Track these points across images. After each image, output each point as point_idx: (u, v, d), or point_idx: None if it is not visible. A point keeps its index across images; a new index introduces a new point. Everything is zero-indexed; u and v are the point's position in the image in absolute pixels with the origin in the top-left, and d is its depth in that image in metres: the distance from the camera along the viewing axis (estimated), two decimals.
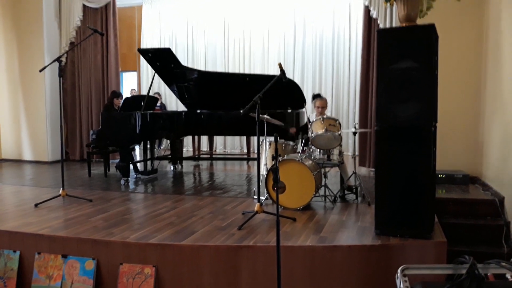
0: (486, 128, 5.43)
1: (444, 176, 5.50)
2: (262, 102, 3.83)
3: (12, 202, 4.98)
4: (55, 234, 3.66)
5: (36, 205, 4.64)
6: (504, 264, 1.67)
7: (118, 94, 6.76)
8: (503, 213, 4.52)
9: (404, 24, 3.67)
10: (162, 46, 10.06)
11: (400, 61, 3.37)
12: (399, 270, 1.63)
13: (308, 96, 6.89)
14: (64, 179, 4.94)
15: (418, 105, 3.34)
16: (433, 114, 3.44)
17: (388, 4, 3.89)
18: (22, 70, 8.19)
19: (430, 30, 3.33)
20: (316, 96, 5.25)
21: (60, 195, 4.81)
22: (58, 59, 4.81)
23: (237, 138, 9.68)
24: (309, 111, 7.76)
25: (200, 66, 9.80)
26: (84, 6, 8.22)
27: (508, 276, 1.70)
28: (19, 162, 8.28)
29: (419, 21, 3.74)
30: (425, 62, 3.32)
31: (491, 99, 5.24)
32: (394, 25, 6.20)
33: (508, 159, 4.42)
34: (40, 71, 4.91)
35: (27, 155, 8.31)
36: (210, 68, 9.78)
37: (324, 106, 5.18)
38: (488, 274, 1.74)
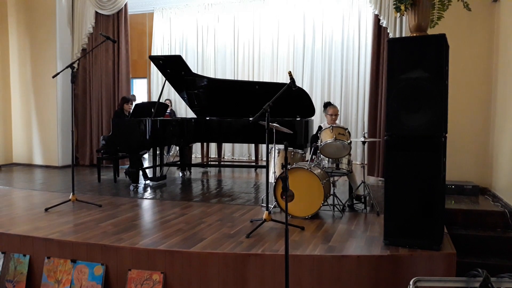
0: (496, 138, 5.39)
1: (453, 186, 5.46)
2: (271, 110, 3.84)
3: (23, 206, 5.03)
4: (64, 239, 3.69)
5: (46, 210, 4.69)
6: None
7: (128, 100, 6.83)
8: None
9: (414, 34, 3.67)
10: (173, 52, 10.15)
11: (411, 70, 3.37)
12: (411, 282, 1.62)
13: (317, 105, 6.90)
14: (74, 184, 4.98)
15: (428, 115, 3.33)
16: (443, 124, 3.42)
17: (399, 13, 3.88)
18: (35, 76, 8.31)
19: (441, 40, 3.33)
20: (328, 104, 5.27)
21: (70, 200, 4.86)
22: (70, 66, 4.87)
23: (245, 145, 9.69)
24: (317, 119, 7.77)
25: (210, 72, 9.86)
26: (96, 13, 8.33)
27: None
28: (30, 166, 8.37)
29: (430, 31, 3.74)
30: (435, 72, 3.31)
31: (502, 109, 5.21)
32: (404, 34, 6.20)
33: None
34: (53, 77, 4.99)
35: (38, 160, 8.40)
36: (219, 74, 9.83)
37: (336, 114, 5.20)
38: None
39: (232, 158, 9.79)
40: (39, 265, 3.70)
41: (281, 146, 4.64)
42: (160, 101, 6.50)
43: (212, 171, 8.09)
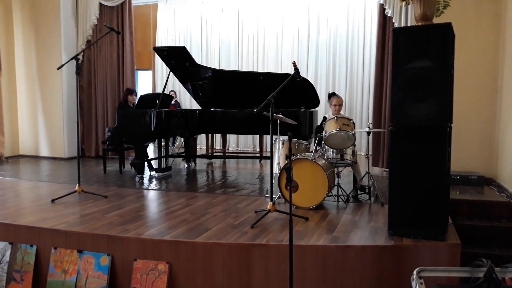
0: (502, 128, 5.35)
1: (458, 177, 5.45)
2: (275, 100, 3.83)
3: (30, 198, 5.08)
4: (71, 230, 3.73)
5: (52, 201, 4.72)
6: None
7: (132, 91, 6.84)
8: None
9: (420, 23, 3.64)
10: (177, 44, 10.12)
11: (416, 60, 3.34)
12: (415, 272, 1.61)
13: (321, 96, 6.87)
14: (80, 175, 5.01)
15: (433, 105, 3.31)
16: (449, 114, 3.40)
17: (404, 2, 3.85)
18: (40, 68, 8.33)
19: (446, 29, 3.30)
20: (332, 95, 5.24)
21: (76, 191, 4.89)
22: (75, 57, 4.87)
23: (249, 136, 9.69)
24: (322, 110, 7.75)
25: (214, 64, 9.83)
26: (100, 4, 8.31)
27: None
28: (36, 158, 8.42)
29: (435, 20, 3.70)
30: (441, 62, 3.28)
31: (508, 99, 5.16)
32: (409, 23, 6.13)
33: None
34: (58, 68, 4.99)
35: (44, 151, 8.45)
36: (224, 66, 9.81)
37: (341, 104, 5.17)
38: (506, 278, 1.71)
39: (237, 149, 9.80)
40: (46, 256, 3.74)
41: (286, 137, 4.66)
42: (165, 92, 6.50)
43: (217, 162, 8.11)
